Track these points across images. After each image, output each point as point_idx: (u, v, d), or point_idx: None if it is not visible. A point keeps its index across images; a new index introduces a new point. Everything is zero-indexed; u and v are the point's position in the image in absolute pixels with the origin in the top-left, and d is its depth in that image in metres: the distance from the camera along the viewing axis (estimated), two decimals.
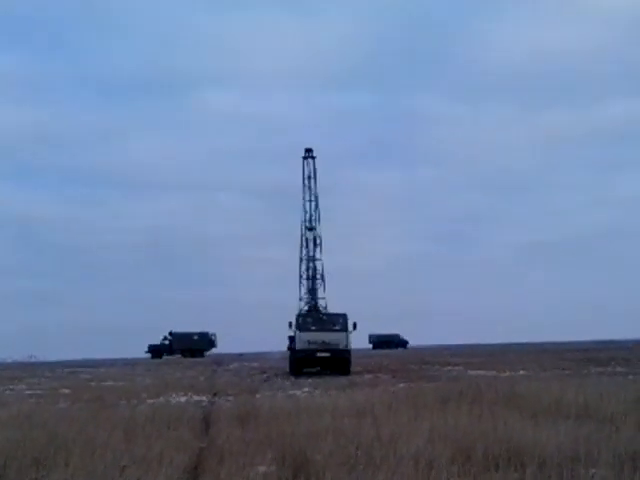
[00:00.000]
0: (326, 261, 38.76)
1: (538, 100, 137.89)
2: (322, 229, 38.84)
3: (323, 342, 30.59)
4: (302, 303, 37.97)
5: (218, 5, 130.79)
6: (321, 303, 37.88)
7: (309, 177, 39.23)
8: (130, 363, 51.57)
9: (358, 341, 32.89)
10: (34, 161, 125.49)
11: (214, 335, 71.04)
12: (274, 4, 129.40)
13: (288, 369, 31.61)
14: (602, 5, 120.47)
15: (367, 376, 27.20)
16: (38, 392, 22.47)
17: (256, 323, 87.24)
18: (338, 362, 30.32)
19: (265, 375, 30.06)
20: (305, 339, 30.77)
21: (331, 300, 37.45)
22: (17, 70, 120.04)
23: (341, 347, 30.62)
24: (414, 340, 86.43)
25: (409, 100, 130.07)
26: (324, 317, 33.70)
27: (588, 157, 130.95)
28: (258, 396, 17.47)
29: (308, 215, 38.70)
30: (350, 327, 31.10)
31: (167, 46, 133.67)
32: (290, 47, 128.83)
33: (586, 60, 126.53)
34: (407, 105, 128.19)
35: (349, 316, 31.50)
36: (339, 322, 31.54)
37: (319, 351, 30.42)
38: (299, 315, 33.36)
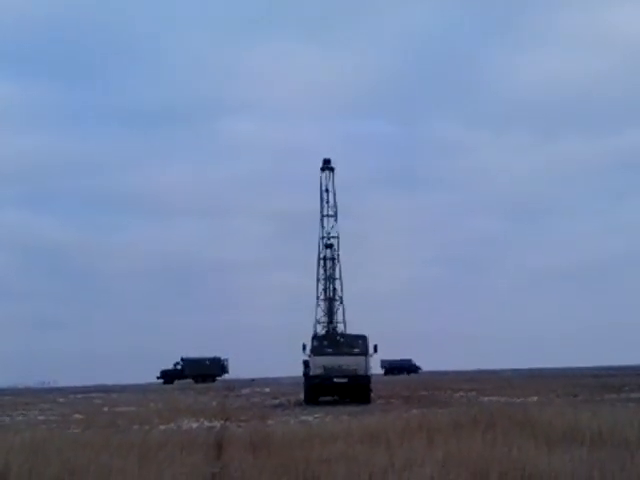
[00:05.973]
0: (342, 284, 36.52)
1: (555, 128, 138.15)
2: (340, 249, 36.05)
3: (340, 367, 28.03)
4: (319, 326, 35.73)
5: (238, 35, 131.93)
6: (340, 326, 35.63)
7: (327, 190, 35.89)
8: (142, 388, 51.43)
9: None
10: (52, 187, 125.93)
11: (226, 360, 70.95)
12: (293, 32, 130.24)
13: (302, 397, 29.24)
14: (621, 34, 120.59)
15: (379, 402, 27.00)
16: (51, 418, 22.48)
17: (269, 348, 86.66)
18: (357, 389, 27.75)
19: (277, 401, 29.82)
20: (320, 364, 28.25)
21: (348, 324, 35.83)
22: (39, 98, 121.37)
23: (360, 372, 28.02)
24: (426, 365, 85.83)
25: (427, 127, 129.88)
26: (341, 339, 30.93)
27: (604, 184, 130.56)
28: (270, 422, 17.42)
29: (326, 231, 35.78)
30: (370, 350, 28.55)
31: (188, 75, 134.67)
32: (309, 75, 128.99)
33: (604, 88, 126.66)
34: (425, 132, 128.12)
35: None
36: (358, 345, 28.86)
37: (336, 377, 27.81)
38: (314, 337, 30.76)
